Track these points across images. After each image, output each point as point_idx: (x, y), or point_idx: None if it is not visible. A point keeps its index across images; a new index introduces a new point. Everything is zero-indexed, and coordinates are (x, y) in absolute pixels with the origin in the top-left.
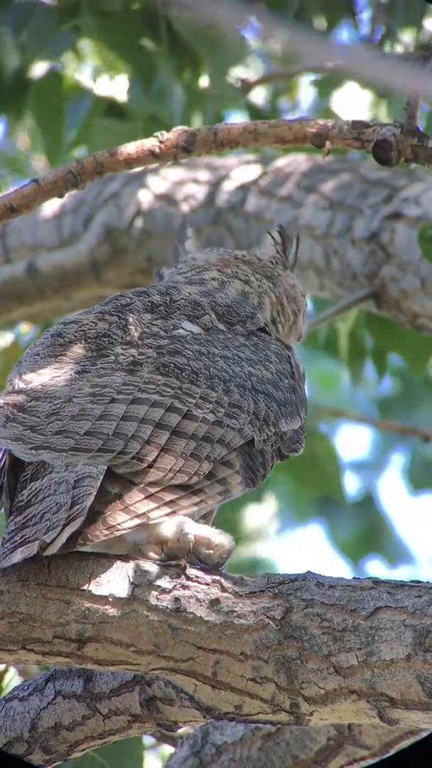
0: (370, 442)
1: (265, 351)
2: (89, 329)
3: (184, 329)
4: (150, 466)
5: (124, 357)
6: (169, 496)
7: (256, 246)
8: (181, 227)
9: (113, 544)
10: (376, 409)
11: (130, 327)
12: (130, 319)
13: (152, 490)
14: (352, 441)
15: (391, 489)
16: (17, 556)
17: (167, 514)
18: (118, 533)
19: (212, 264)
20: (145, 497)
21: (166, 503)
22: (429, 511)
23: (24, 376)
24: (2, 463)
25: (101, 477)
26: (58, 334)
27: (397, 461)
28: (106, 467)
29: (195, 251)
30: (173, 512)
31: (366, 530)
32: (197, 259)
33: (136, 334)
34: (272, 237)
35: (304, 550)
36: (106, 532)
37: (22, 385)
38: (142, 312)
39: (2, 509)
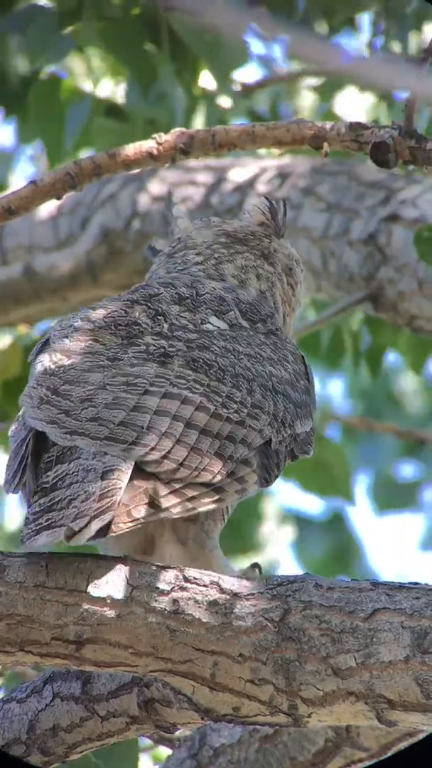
0: None
1: (283, 351)
2: (119, 316)
3: (212, 324)
4: (179, 464)
5: (155, 347)
6: (191, 492)
7: (242, 214)
8: (168, 196)
9: (118, 538)
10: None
11: (159, 317)
12: (160, 310)
13: (176, 485)
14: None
15: (358, 509)
16: (42, 539)
17: (189, 510)
18: (140, 525)
19: (212, 245)
20: (170, 492)
21: (189, 499)
22: (394, 531)
23: (54, 358)
24: (27, 443)
25: (129, 472)
26: (86, 318)
27: (363, 482)
28: (134, 462)
29: (185, 220)
30: (194, 508)
31: (335, 550)
32: (194, 238)
33: (166, 325)
34: (259, 208)
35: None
36: (131, 524)
37: (53, 367)
38: (171, 303)
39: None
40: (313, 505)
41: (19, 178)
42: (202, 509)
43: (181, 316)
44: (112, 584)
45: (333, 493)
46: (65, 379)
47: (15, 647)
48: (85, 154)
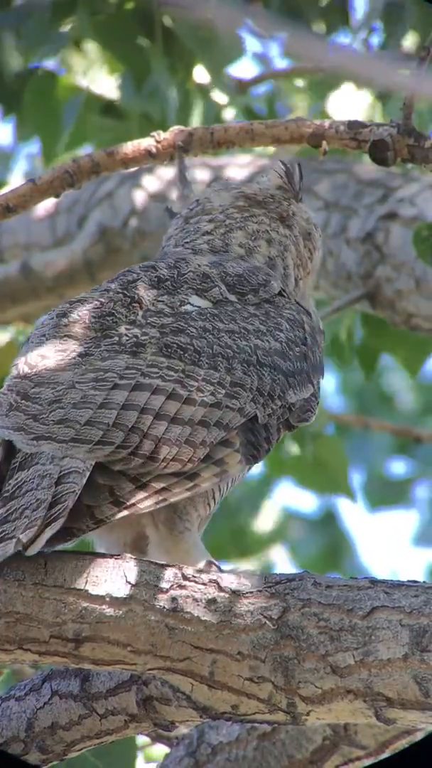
0: None
1: (276, 319)
2: (94, 308)
3: (192, 304)
4: (147, 458)
5: (127, 338)
6: (160, 484)
7: (262, 177)
8: (180, 159)
9: (109, 534)
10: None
11: (134, 305)
12: (135, 297)
13: (143, 479)
14: None
15: (350, 507)
16: None
17: (158, 503)
18: (105, 525)
19: (227, 209)
20: (136, 487)
21: (158, 491)
22: (386, 528)
23: (29, 360)
24: None
25: (87, 473)
26: (63, 314)
27: (355, 479)
28: (93, 462)
29: (196, 183)
30: (164, 500)
31: (327, 548)
32: (212, 200)
33: (140, 313)
34: (276, 171)
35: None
36: (93, 526)
37: (26, 369)
38: (149, 288)
39: None
40: (305, 503)
41: (17, 177)
42: (174, 499)
43: (159, 301)
44: (110, 582)
45: (332, 489)
46: (36, 382)
47: (14, 645)
48: (81, 151)
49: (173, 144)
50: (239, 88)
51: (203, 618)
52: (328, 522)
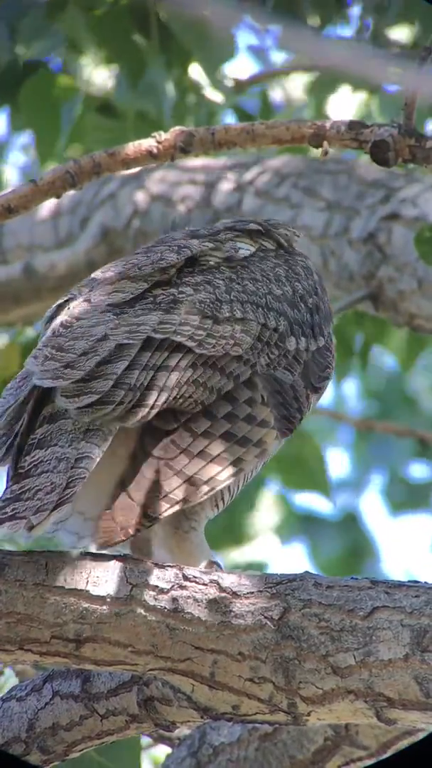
0: (351, 462)
1: (295, 268)
2: (143, 257)
3: (243, 248)
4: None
5: (163, 296)
6: (207, 474)
7: None
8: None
9: None
10: (353, 428)
11: (184, 249)
12: (183, 244)
13: (189, 472)
14: (332, 460)
15: (372, 509)
16: (3, 530)
17: (206, 493)
18: (158, 522)
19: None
20: (183, 482)
21: (205, 482)
22: (407, 531)
23: (63, 320)
24: (21, 423)
25: (98, 458)
26: (107, 269)
27: (377, 482)
28: (105, 447)
29: None
30: (212, 489)
31: (348, 550)
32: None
33: (174, 271)
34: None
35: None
36: (148, 524)
37: (61, 329)
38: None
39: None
40: (325, 504)
41: (10, 168)
42: (220, 487)
43: (205, 245)
44: (111, 583)
45: (310, 487)
46: (70, 337)
47: (15, 646)
48: (76, 150)
49: (174, 144)
50: (236, 87)
51: (204, 618)
52: (349, 524)
